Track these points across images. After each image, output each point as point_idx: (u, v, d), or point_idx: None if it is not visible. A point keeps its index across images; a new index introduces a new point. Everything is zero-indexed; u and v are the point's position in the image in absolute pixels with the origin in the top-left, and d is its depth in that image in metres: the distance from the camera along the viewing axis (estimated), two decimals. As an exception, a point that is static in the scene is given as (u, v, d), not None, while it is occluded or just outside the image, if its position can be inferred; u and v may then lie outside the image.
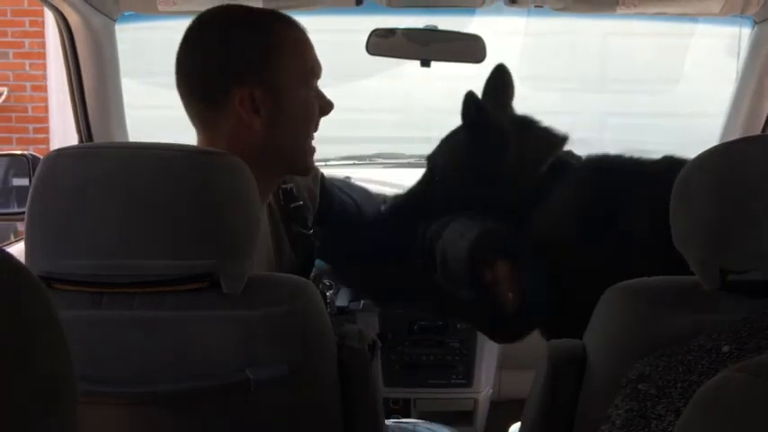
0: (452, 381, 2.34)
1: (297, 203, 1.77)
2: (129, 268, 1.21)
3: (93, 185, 1.20)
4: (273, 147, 1.54)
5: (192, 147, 1.38)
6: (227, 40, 1.51)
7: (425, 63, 2.26)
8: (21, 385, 0.58)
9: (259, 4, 1.96)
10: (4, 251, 0.61)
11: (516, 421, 1.72)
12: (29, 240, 1.24)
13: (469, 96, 1.81)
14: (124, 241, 1.20)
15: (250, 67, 1.51)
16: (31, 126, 6.57)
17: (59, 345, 0.63)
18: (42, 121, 6.57)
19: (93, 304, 1.23)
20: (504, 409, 2.38)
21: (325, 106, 1.61)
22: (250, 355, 1.23)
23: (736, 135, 2.38)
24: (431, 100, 5.86)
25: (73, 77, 2.21)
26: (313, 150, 1.61)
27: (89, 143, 2.21)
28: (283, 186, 1.75)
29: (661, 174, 1.62)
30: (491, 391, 2.45)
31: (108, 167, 1.21)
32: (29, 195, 1.24)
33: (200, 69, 1.53)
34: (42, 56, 6.50)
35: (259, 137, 1.52)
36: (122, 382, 1.22)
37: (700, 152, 1.27)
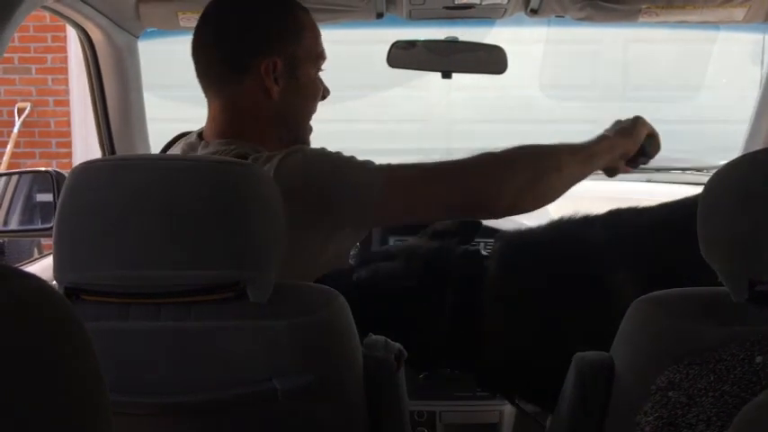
0: (477, 393, 2.32)
1: None
2: (157, 279, 1.22)
3: (120, 197, 1.21)
4: (284, 118, 1.62)
5: (218, 158, 1.38)
6: (258, 11, 1.60)
7: (446, 74, 2.26)
8: (53, 405, 0.58)
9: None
10: (31, 275, 0.61)
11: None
12: (57, 252, 1.24)
13: None
14: (151, 252, 1.20)
15: (277, 38, 1.59)
16: (53, 141, 6.62)
17: (89, 361, 0.63)
18: (65, 135, 6.61)
19: (121, 315, 1.23)
20: (529, 420, 2.37)
21: (325, 91, 1.69)
22: (276, 365, 1.22)
23: (760, 142, 2.36)
24: (452, 110, 5.86)
25: (96, 93, 2.23)
26: (311, 129, 1.70)
27: (116, 155, 2.22)
28: None
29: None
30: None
31: (135, 179, 1.22)
32: (57, 208, 1.24)
33: (232, 36, 1.59)
34: (65, 71, 6.55)
35: (274, 106, 1.59)
36: (149, 392, 1.22)
37: (722, 159, 1.26)
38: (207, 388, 1.22)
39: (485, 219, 1.65)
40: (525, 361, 1.68)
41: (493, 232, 2.04)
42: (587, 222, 1.79)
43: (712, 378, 1.10)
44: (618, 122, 1.77)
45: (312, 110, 1.68)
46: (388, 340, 1.44)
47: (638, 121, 1.76)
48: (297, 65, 1.60)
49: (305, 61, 1.61)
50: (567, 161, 1.61)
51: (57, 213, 1.24)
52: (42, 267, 2.17)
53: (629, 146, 1.73)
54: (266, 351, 1.23)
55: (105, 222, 1.21)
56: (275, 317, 1.23)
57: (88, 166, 1.26)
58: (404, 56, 2.27)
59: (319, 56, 1.65)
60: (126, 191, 1.21)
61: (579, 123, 5.89)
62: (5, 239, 4.62)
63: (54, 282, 1.26)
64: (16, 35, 6.50)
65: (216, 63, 1.61)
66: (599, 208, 1.82)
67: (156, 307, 1.24)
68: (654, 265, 1.66)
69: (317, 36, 1.65)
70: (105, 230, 1.21)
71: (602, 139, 1.71)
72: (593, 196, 1.82)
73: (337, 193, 1.47)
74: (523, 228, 1.84)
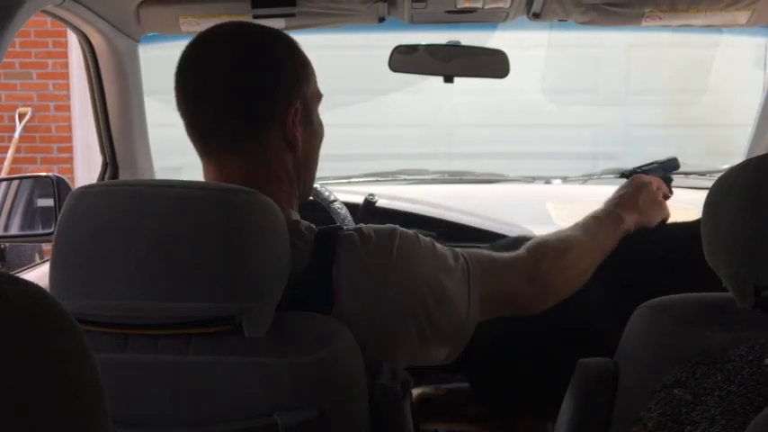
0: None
1: None
2: (154, 310, 1.19)
3: (117, 225, 1.18)
4: (305, 169, 1.46)
5: (219, 184, 1.29)
6: (272, 56, 1.40)
7: (448, 79, 2.25)
8: (51, 415, 0.57)
9: (281, 23, 1.96)
10: (29, 283, 0.60)
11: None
12: (53, 279, 1.22)
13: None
14: (148, 282, 1.17)
15: (296, 82, 1.40)
16: (54, 146, 6.62)
17: (88, 370, 0.62)
18: (66, 140, 6.62)
19: (118, 346, 1.21)
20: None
21: None
22: (277, 400, 1.19)
23: (764, 146, 2.35)
24: (454, 115, 5.86)
25: (96, 98, 2.22)
26: None
27: (113, 180, 2.20)
28: None
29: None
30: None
31: (132, 206, 1.19)
32: (54, 233, 1.22)
33: (248, 84, 1.37)
34: (66, 76, 6.55)
35: (297, 158, 1.42)
36: (147, 425, 1.20)
37: (725, 163, 1.25)
38: (206, 422, 1.20)
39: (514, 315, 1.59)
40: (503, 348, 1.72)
41: (489, 237, 2.05)
42: None
43: (719, 378, 1.10)
44: (625, 188, 1.78)
45: (319, 152, 1.51)
46: (396, 368, 1.41)
47: (641, 194, 1.76)
48: (310, 107, 1.43)
49: (314, 101, 1.45)
50: (591, 254, 1.61)
51: (54, 239, 1.22)
52: (43, 273, 2.16)
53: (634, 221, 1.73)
54: (267, 387, 1.20)
55: (102, 251, 1.18)
56: (275, 354, 1.19)
57: (86, 191, 1.23)
58: (405, 60, 2.27)
59: (319, 91, 1.47)
60: (122, 219, 1.18)
61: (582, 128, 5.91)
62: (6, 245, 4.62)
63: None
64: (17, 40, 6.52)
65: (230, 118, 1.37)
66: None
67: (153, 339, 1.21)
68: (633, 286, 1.69)
69: (314, 72, 1.46)
70: (101, 260, 1.18)
71: (610, 222, 1.69)
72: (593, 200, 1.81)
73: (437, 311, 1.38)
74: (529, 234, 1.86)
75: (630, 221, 1.70)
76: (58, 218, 1.22)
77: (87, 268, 1.19)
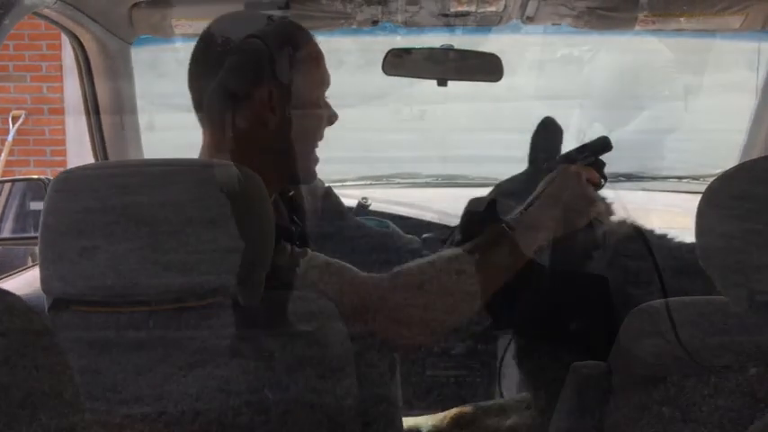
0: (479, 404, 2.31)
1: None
2: (145, 287, 1.21)
3: (103, 205, 1.20)
4: (283, 149, 1.54)
5: (200, 160, 1.37)
6: (252, 39, 1.53)
7: (442, 82, 2.25)
8: (26, 419, 0.57)
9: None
10: (3, 290, 0.60)
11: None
12: (43, 263, 1.23)
13: None
14: (138, 260, 1.19)
15: (273, 67, 1.51)
16: (48, 149, 6.60)
17: (63, 375, 0.62)
18: (59, 143, 6.60)
19: (111, 324, 1.22)
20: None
21: (332, 116, 1.61)
22: (269, 376, 1.22)
23: (757, 150, 2.36)
24: (448, 118, 5.86)
25: (89, 101, 2.22)
26: (317, 160, 1.62)
27: (97, 163, 2.20)
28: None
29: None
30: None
31: (117, 187, 1.21)
32: (41, 218, 1.23)
33: (226, 65, 1.52)
34: (59, 79, 6.53)
35: (272, 136, 1.52)
36: (140, 401, 1.21)
37: (718, 168, 1.26)
38: (198, 398, 1.21)
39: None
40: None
41: None
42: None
43: (706, 392, 1.10)
44: (549, 182, 1.64)
45: (314, 138, 1.60)
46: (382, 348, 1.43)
47: (567, 189, 1.62)
48: (295, 92, 1.53)
49: (303, 87, 1.54)
50: (467, 285, 1.47)
51: (41, 224, 1.23)
52: (35, 276, 2.15)
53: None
54: (258, 360, 1.22)
55: (90, 232, 1.20)
56: (266, 327, 1.22)
57: (69, 175, 1.26)
58: (399, 64, 2.27)
59: (322, 81, 1.58)
60: (108, 199, 1.20)
61: (577, 132, 5.91)
62: (-1, 247, 4.61)
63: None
64: (11, 43, 6.46)
65: (210, 93, 1.54)
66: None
67: (146, 315, 1.23)
68: None
69: (318, 60, 1.58)
70: (90, 240, 1.20)
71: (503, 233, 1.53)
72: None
73: None
74: None
75: (549, 222, 1.55)
76: (43, 206, 1.24)
77: (76, 250, 1.20)
